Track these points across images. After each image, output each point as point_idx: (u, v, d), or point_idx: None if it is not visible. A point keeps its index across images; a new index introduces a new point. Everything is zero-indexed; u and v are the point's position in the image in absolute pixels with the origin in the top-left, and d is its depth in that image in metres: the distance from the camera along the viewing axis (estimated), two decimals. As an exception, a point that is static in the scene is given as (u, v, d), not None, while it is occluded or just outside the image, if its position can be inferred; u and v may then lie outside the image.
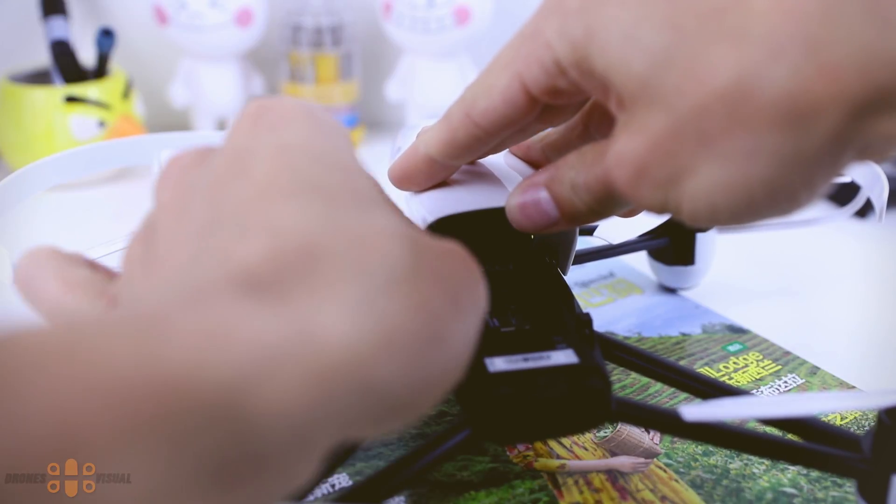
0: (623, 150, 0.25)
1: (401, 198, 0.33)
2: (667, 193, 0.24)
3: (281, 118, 0.23)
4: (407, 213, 0.30)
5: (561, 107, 0.29)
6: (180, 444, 0.16)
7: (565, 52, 0.26)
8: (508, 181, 0.32)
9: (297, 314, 0.18)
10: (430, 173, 0.31)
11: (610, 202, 0.27)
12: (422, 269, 0.21)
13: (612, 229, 0.44)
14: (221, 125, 0.75)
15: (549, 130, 0.32)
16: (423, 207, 0.31)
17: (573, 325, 0.30)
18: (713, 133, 0.23)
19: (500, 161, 0.34)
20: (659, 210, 0.25)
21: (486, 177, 0.33)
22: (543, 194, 0.28)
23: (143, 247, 0.23)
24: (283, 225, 0.20)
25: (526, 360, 0.28)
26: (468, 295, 0.22)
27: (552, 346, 0.29)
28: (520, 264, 0.34)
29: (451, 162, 0.31)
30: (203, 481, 0.16)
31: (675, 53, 0.23)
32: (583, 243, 0.35)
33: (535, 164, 0.33)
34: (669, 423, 0.29)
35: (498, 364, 0.28)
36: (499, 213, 0.30)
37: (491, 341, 0.29)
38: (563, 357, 0.28)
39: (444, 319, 0.21)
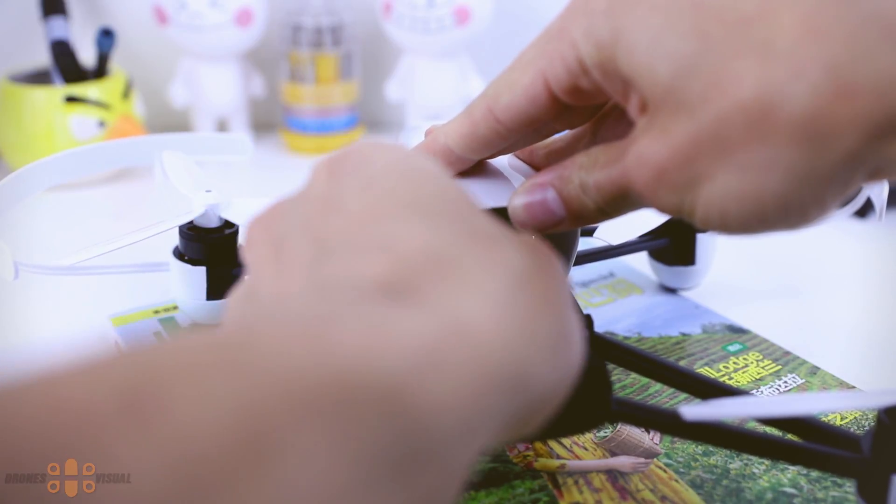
0: (645, 152, 0.25)
1: None
2: (683, 197, 0.25)
3: (357, 162, 0.25)
4: None
5: (579, 109, 0.29)
6: (358, 435, 0.16)
7: (590, 52, 0.26)
8: (511, 182, 0.32)
9: (442, 309, 0.20)
10: (447, 164, 0.31)
11: (620, 202, 0.27)
12: (540, 268, 0.23)
13: (612, 230, 0.44)
14: (221, 125, 0.75)
15: (555, 137, 0.32)
16: None
17: None
18: (732, 143, 0.23)
19: (503, 162, 0.34)
20: (672, 212, 0.26)
21: (489, 176, 0.33)
22: (551, 194, 0.28)
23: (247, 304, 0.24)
24: (396, 239, 0.22)
25: None
26: (566, 282, 0.24)
27: None
28: None
29: (469, 155, 0.31)
30: (379, 474, 0.16)
31: (702, 62, 0.24)
32: (583, 244, 0.35)
33: (539, 168, 0.33)
34: (669, 423, 0.29)
35: None
36: (500, 213, 0.30)
37: None
38: None
39: (568, 314, 0.23)
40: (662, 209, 0.26)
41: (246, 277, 0.24)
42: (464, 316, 0.20)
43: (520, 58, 0.29)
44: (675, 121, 0.24)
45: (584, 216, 0.28)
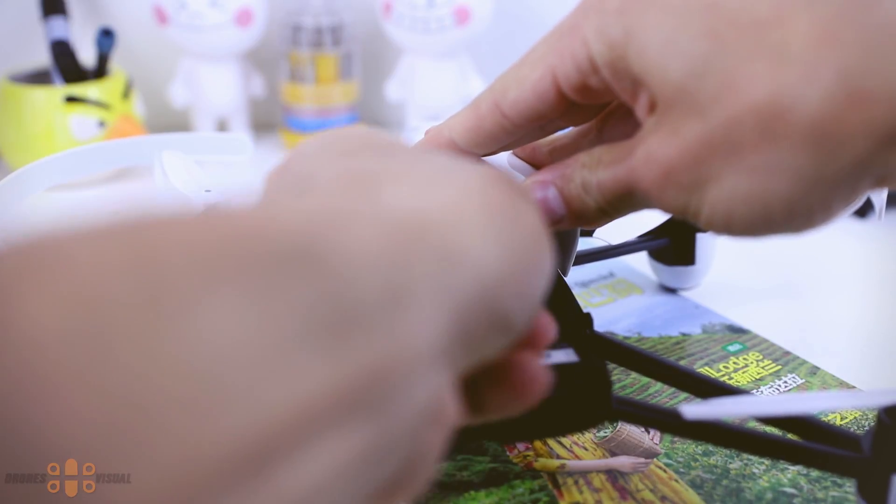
0: (653, 151, 0.25)
1: None
2: (689, 197, 0.25)
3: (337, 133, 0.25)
4: None
5: (585, 107, 0.29)
6: (278, 290, 0.15)
7: (601, 50, 0.26)
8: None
9: (384, 198, 0.20)
10: None
11: (623, 202, 0.27)
12: (492, 178, 0.22)
13: (612, 230, 0.44)
14: (221, 125, 0.75)
15: (558, 134, 0.32)
16: None
17: (574, 324, 0.30)
18: (742, 145, 0.24)
19: (502, 159, 0.34)
20: (677, 213, 0.26)
21: None
22: (552, 192, 0.28)
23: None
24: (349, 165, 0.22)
25: None
26: (527, 200, 0.23)
27: (553, 346, 0.29)
28: None
29: (473, 150, 0.31)
30: (308, 334, 0.15)
31: (715, 63, 0.24)
32: (583, 244, 0.35)
33: (540, 166, 0.33)
34: (670, 423, 0.29)
35: None
36: None
37: None
38: (564, 356, 0.28)
39: (511, 194, 0.22)
40: (667, 209, 0.26)
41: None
42: (385, 188, 0.20)
43: (529, 53, 0.29)
44: (686, 121, 0.24)
45: (585, 215, 0.28)
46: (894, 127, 0.22)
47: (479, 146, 0.31)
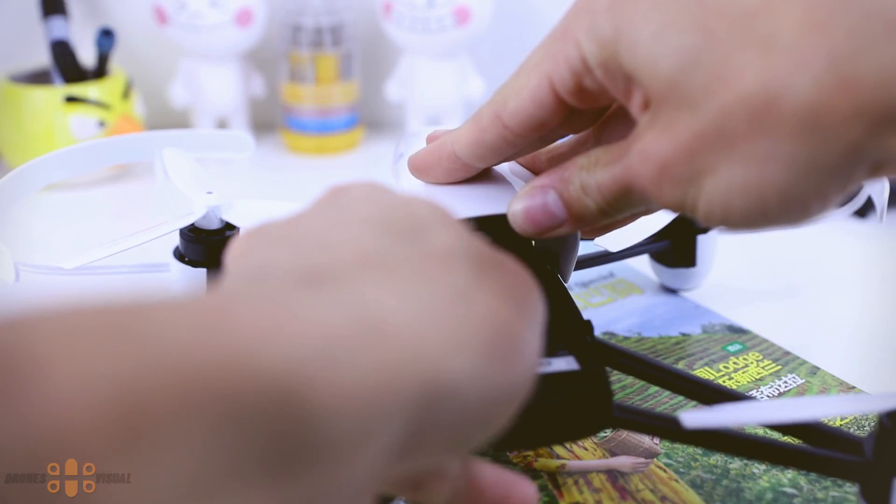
0: (648, 148, 0.25)
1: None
2: (686, 191, 0.25)
3: (340, 192, 0.24)
4: None
5: (584, 114, 0.29)
6: (238, 425, 0.15)
7: (593, 50, 0.26)
8: (512, 187, 0.32)
9: (357, 299, 0.19)
10: (452, 170, 0.31)
11: (622, 201, 0.27)
12: (487, 282, 0.21)
13: (612, 239, 0.44)
14: (221, 125, 0.75)
15: (557, 143, 0.33)
16: None
17: (574, 331, 0.30)
18: (735, 136, 0.24)
19: (503, 167, 0.34)
20: (675, 208, 0.26)
21: (488, 181, 0.33)
22: (551, 196, 0.28)
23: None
24: (339, 241, 0.21)
25: None
26: (532, 306, 0.23)
27: (553, 353, 0.29)
28: None
29: (476, 163, 0.31)
30: (255, 468, 0.15)
31: (704, 56, 0.24)
32: (584, 248, 0.35)
33: (539, 174, 0.33)
34: (670, 430, 0.28)
35: None
36: (499, 219, 0.30)
37: None
38: (564, 364, 0.28)
39: (515, 328, 0.21)
40: (665, 205, 0.26)
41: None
42: (379, 311, 0.19)
43: (526, 62, 0.29)
44: (678, 115, 0.24)
45: (586, 218, 0.28)
46: (885, 111, 0.22)
47: (482, 159, 0.30)
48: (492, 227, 0.31)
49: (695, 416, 0.28)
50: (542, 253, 0.35)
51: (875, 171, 0.24)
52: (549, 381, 0.28)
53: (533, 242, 0.36)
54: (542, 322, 0.23)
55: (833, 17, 0.23)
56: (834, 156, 0.23)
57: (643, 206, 0.28)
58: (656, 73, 0.25)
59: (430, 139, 0.32)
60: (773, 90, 0.23)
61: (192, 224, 0.41)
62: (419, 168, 0.32)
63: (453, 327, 0.20)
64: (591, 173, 0.27)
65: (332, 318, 0.18)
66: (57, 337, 0.14)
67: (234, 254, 0.23)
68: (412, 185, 0.33)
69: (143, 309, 0.16)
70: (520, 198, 0.29)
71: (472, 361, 0.20)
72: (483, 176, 0.33)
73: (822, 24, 0.23)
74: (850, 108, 0.22)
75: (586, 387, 0.28)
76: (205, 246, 0.41)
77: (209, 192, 0.41)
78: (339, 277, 0.19)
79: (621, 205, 0.27)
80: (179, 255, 0.42)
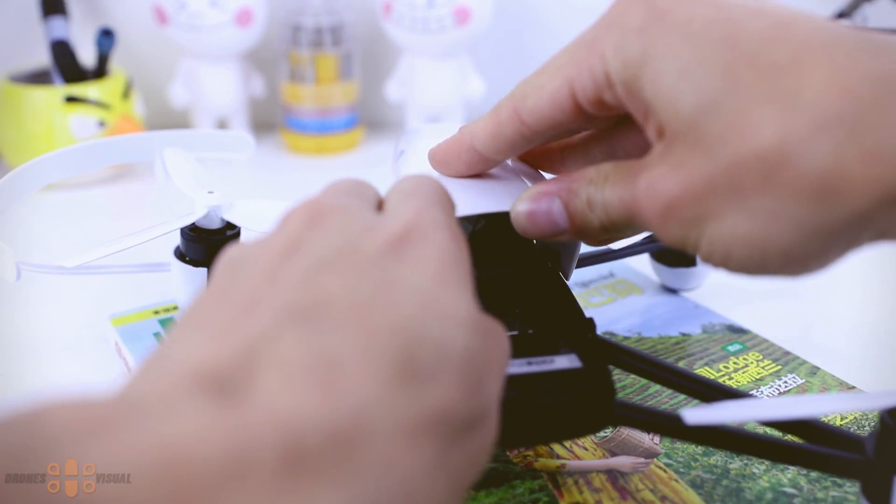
0: (656, 184, 0.25)
1: None
2: (689, 232, 0.25)
3: (325, 231, 0.24)
4: None
5: (601, 119, 0.29)
6: None
7: (617, 67, 0.26)
8: (514, 185, 0.32)
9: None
10: (470, 163, 0.31)
11: (626, 225, 0.27)
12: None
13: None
14: (221, 125, 0.75)
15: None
16: None
17: (577, 329, 0.30)
18: (745, 188, 0.23)
19: (505, 161, 0.34)
20: (677, 245, 0.26)
21: (490, 178, 0.33)
22: (556, 205, 0.28)
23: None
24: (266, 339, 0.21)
25: (529, 364, 0.28)
26: (496, 372, 0.23)
27: (556, 351, 0.29)
28: (523, 268, 0.34)
29: (493, 156, 0.31)
30: None
31: (726, 102, 0.24)
32: (584, 246, 0.35)
33: (550, 164, 0.33)
34: (671, 427, 0.29)
35: None
36: (503, 216, 0.30)
37: None
38: (567, 361, 0.28)
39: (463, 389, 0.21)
40: (667, 240, 0.26)
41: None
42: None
43: (550, 62, 0.29)
44: (691, 156, 0.24)
45: (587, 231, 0.28)
46: None
47: (499, 153, 0.30)
48: (495, 223, 0.31)
49: (696, 413, 0.28)
50: (544, 251, 0.35)
51: (879, 237, 0.24)
52: (551, 379, 0.28)
53: (535, 241, 0.36)
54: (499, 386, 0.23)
55: (861, 83, 0.22)
56: (841, 223, 0.23)
57: (643, 233, 0.28)
58: (675, 109, 0.24)
59: (453, 142, 0.32)
60: (789, 149, 0.23)
61: (193, 223, 0.41)
62: (440, 161, 0.32)
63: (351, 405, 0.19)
64: (600, 190, 0.27)
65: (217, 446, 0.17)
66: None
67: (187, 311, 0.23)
68: None
69: (41, 420, 0.17)
70: (524, 200, 0.29)
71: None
72: (498, 172, 0.33)
73: (849, 91, 0.22)
74: (866, 179, 0.22)
75: (589, 384, 0.28)
76: (206, 245, 0.41)
77: (210, 192, 0.41)
78: (241, 387, 0.19)
79: (624, 227, 0.27)
80: (180, 255, 0.42)
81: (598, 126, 0.31)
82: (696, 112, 0.24)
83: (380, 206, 0.27)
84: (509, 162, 0.34)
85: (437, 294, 0.22)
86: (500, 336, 0.24)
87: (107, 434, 0.17)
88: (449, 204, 0.26)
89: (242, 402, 0.18)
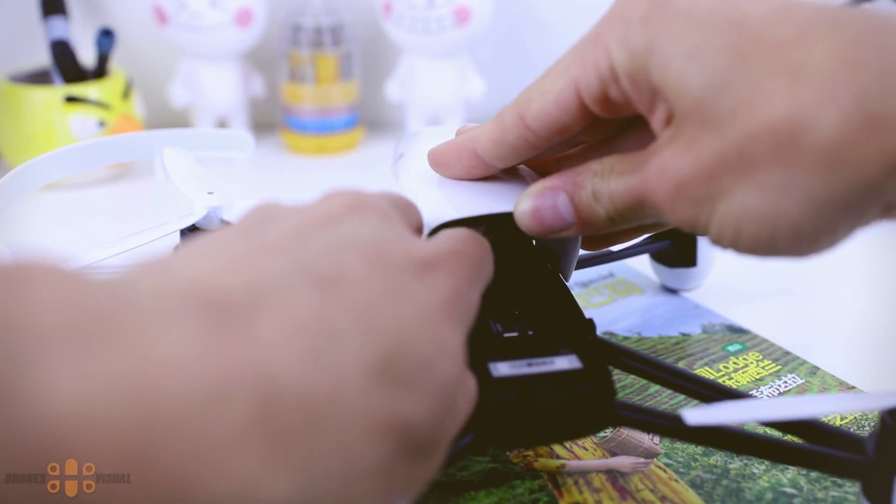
0: (667, 164, 0.25)
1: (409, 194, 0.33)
2: (700, 211, 0.25)
3: (351, 208, 0.25)
4: None
5: (605, 122, 0.29)
6: None
7: (623, 59, 0.26)
8: (515, 186, 0.32)
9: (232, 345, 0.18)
10: (470, 167, 0.31)
11: (632, 213, 0.27)
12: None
13: None
14: (221, 125, 0.75)
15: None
16: (423, 214, 0.31)
17: (576, 329, 0.30)
18: (756, 162, 0.24)
19: None
20: (687, 226, 0.26)
21: (493, 180, 0.33)
22: (562, 198, 0.28)
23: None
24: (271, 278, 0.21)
25: (530, 365, 0.28)
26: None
27: (556, 352, 0.29)
28: (522, 269, 0.34)
29: (496, 163, 0.31)
30: None
31: (735, 79, 0.24)
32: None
33: (546, 174, 0.33)
34: (672, 427, 0.28)
35: (501, 369, 0.28)
36: (501, 217, 0.30)
37: (494, 346, 0.29)
38: (567, 362, 0.28)
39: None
40: (678, 222, 0.26)
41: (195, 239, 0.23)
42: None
43: (554, 66, 0.29)
44: (701, 135, 0.24)
45: (594, 224, 0.28)
46: None
47: (502, 159, 0.30)
48: (495, 224, 0.31)
49: (697, 414, 0.28)
50: (543, 252, 0.35)
51: (886, 212, 0.24)
52: (552, 380, 0.28)
53: (534, 241, 0.36)
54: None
55: (867, 56, 0.23)
56: (850, 193, 0.23)
57: (653, 220, 0.28)
58: (684, 90, 0.25)
59: (460, 133, 0.32)
60: (799, 121, 0.23)
61: (193, 224, 0.41)
62: (438, 162, 0.32)
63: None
64: (605, 181, 0.27)
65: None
66: None
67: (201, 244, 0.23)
68: (411, 185, 0.33)
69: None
70: (528, 197, 0.29)
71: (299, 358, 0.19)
72: (499, 173, 0.33)
73: (855, 61, 0.23)
74: (873, 148, 0.22)
75: (589, 385, 0.28)
76: None
77: (210, 193, 0.41)
78: (241, 314, 0.19)
79: (631, 216, 0.27)
80: (180, 256, 0.42)
81: (597, 136, 0.31)
82: (705, 91, 0.24)
83: (417, 232, 0.28)
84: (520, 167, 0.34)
85: (439, 322, 0.23)
86: (472, 392, 0.24)
87: (94, 341, 0.17)
88: (483, 263, 0.27)
89: (236, 333, 0.18)
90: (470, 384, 0.24)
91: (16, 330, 0.16)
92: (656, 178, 0.26)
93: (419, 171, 0.33)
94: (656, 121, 0.26)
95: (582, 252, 0.35)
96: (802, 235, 0.24)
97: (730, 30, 0.24)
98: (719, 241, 0.25)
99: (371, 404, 0.20)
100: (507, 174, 0.33)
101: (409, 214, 0.27)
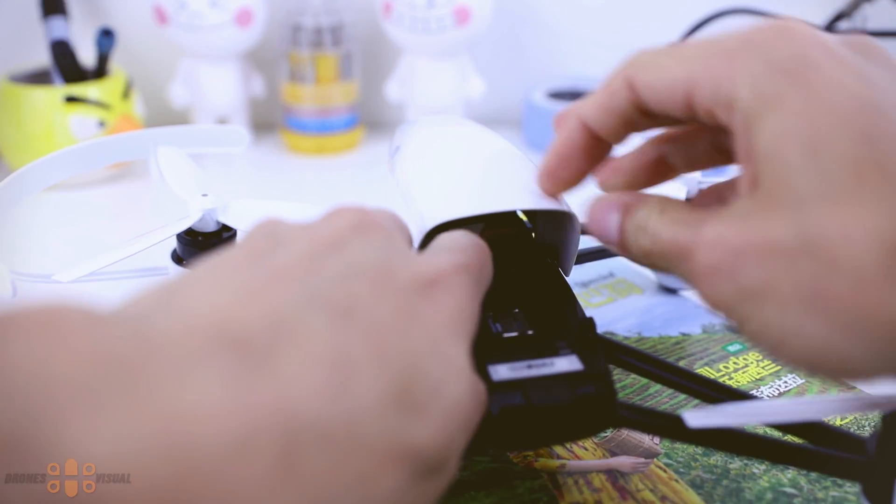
0: (727, 236, 0.23)
1: (402, 198, 0.33)
2: (741, 303, 0.23)
3: (364, 236, 0.25)
4: (406, 216, 0.30)
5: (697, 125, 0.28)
6: None
7: (747, 99, 0.24)
8: (514, 183, 0.32)
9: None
10: (586, 148, 0.29)
11: (669, 263, 0.26)
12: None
13: None
14: (221, 124, 0.75)
15: (620, 156, 0.31)
16: (421, 211, 0.31)
17: (576, 329, 0.30)
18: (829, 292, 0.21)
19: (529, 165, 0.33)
20: (717, 309, 0.24)
21: (490, 175, 0.32)
22: (613, 217, 0.28)
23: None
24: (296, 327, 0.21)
25: (529, 367, 0.28)
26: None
27: (556, 352, 0.29)
28: (522, 265, 0.34)
29: (602, 131, 0.29)
30: None
31: (844, 204, 0.21)
32: (584, 242, 0.35)
33: (643, 154, 0.31)
34: (673, 429, 0.28)
35: (501, 372, 0.28)
36: (500, 214, 0.30)
37: (494, 347, 0.29)
38: (567, 364, 0.28)
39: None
40: (707, 299, 0.24)
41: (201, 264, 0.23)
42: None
43: (677, 49, 0.26)
44: (776, 225, 0.22)
45: (630, 253, 0.27)
46: None
47: (608, 126, 0.28)
48: (494, 221, 0.31)
49: (698, 416, 0.28)
50: (543, 246, 0.35)
51: None
52: (552, 382, 0.28)
53: (534, 235, 0.36)
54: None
55: None
56: None
57: (675, 276, 0.26)
58: (789, 184, 0.22)
59: (557, 120, 0.30)
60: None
61: (189, 227, 0.41)
62: (554, 169, 0.30)
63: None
64: (658, 218, 0.26)
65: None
66: None
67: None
68: (407, 178, 0.33)
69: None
70: (599, 203, 0.28)
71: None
72: (499, 168, 0.32)
73: None
74: None
75: (591, 387, 0.28)
76: (202, 249, 0.41)
77: (204, 195, 0.41)
78: (263, 353, 0.19)
79: (665, 265, 0.26)
80: (177, 259, 0.42)
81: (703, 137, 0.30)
82: (808, 197, 0.22)
83: (409, 244, 0.28)
84: (520, 161, 0.33)
85: (445, 342, 0.23)
86: (482, 395, 0.24)
87: (122, 395, 0.17)
88: (483, 271, 0.27)
89: (260, 372, 0.19)
90: (479, 390, 0.24)
91: (44, 386, 0.16)
92: (708, 244, 0.23)
93: (415, 167, 0.33)
94: (745, 176, 0.24)
95: (581, 247, 0.35)
96: (847, 376, 0.23)
97: (861, 141, 0.21)
98: (754, 342, 0.23)
99: (386, 433, 0.20)
100: (511, 168, 0.33)
101: (403, 231, 0.28)
